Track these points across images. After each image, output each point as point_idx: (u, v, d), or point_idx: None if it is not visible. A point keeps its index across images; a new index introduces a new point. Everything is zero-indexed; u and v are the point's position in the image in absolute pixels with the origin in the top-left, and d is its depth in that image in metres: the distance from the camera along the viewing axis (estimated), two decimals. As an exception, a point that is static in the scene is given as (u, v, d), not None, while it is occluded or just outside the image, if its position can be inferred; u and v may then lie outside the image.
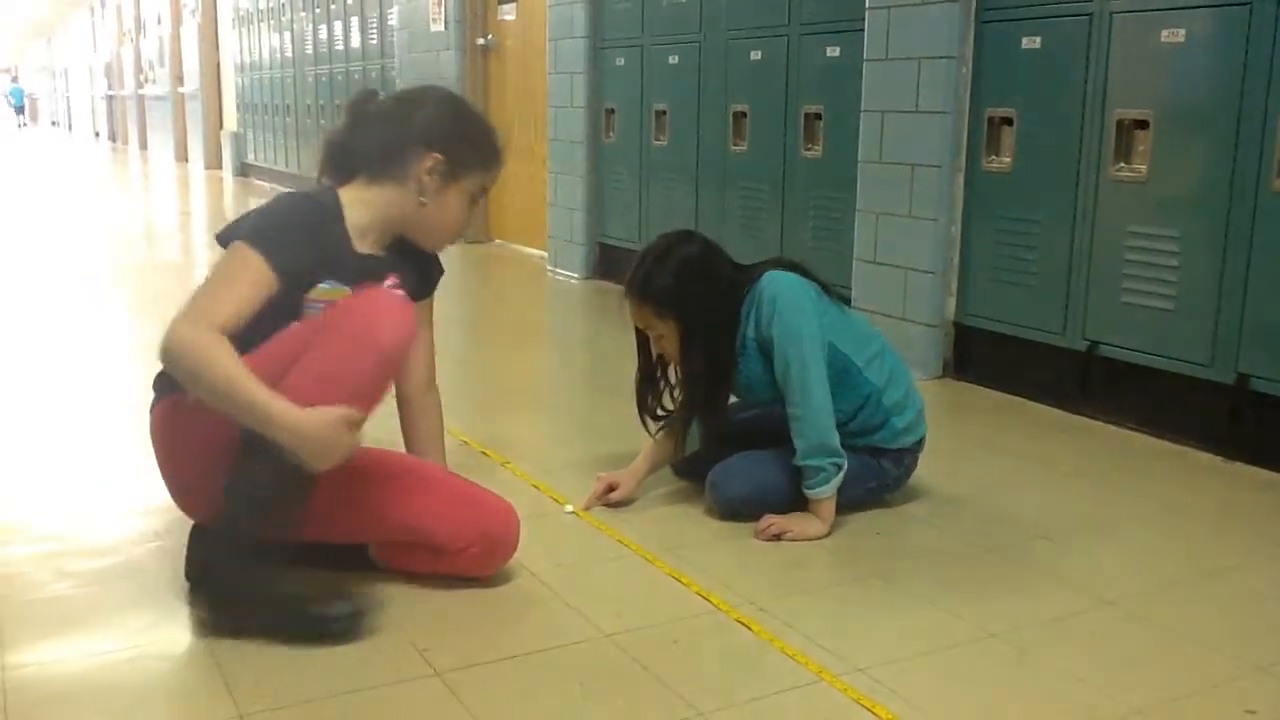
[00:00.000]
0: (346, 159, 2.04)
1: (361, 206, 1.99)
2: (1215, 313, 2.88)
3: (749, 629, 1.90)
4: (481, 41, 6.88)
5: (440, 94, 2.12)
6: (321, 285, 1.90)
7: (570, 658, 1.80)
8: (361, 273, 1.94)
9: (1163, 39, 2.95)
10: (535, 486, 2.57)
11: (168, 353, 1.74)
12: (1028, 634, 1.91)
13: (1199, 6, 2.87)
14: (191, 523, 2.02)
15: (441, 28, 7.07)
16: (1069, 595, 2.07)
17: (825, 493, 2.28)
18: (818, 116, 4.14)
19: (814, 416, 2.26)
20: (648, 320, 2.36)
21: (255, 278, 1.81)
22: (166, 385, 1.92)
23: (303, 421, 1.71)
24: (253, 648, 1.80)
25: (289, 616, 1.82)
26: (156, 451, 1.98)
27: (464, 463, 2.73)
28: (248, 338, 1.80)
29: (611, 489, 2.44)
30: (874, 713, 1.64)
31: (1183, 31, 2.90)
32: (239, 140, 12.49)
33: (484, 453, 2.75)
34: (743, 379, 2.37)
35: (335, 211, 1.97)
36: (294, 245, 1.86)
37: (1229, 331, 2.85)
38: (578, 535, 2.32)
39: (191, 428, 1.87)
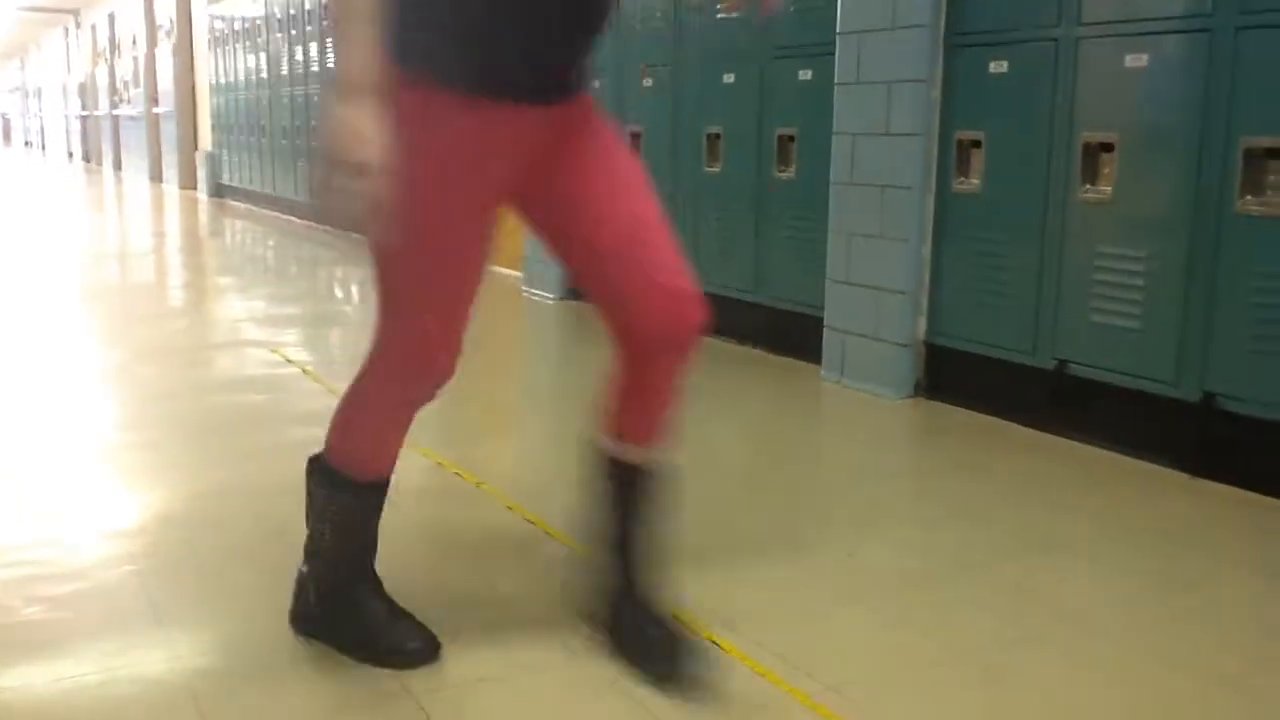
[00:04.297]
0: None
1: None
2: (1181, 332, 2.92)
3: (719, 647, 1.91)
4: (457, 63, 6.89)
5: None
6: None
7: (541, 678, 1.81)
8: None
9: (1127, 64, 3.00)
10: (509, 508, 2.57)
11: None
12: (997, 653, 1.93)
13: (1162, 32, 2.92)
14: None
15: (417, 49, 7.08)
16: (1037, 613, 2.09)
17: None
18: (791, 139, 4.18)
19: None
20: None
21: None
22: None
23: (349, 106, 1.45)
24: (224, 670, 1.80)
25: (371, 641, 1.83)
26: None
27: (437, 484, 2.74)
28: None
29: None
30: (844, 730, 1.66)
31: (1146, 56, 2.95)
32: (214, 161, 12.47)
33: (457, 473, 2.75)
34: None
35: None
36: None
37: (1195, 350, 2.89)
38: (547, 555, 2.32)
39: None
